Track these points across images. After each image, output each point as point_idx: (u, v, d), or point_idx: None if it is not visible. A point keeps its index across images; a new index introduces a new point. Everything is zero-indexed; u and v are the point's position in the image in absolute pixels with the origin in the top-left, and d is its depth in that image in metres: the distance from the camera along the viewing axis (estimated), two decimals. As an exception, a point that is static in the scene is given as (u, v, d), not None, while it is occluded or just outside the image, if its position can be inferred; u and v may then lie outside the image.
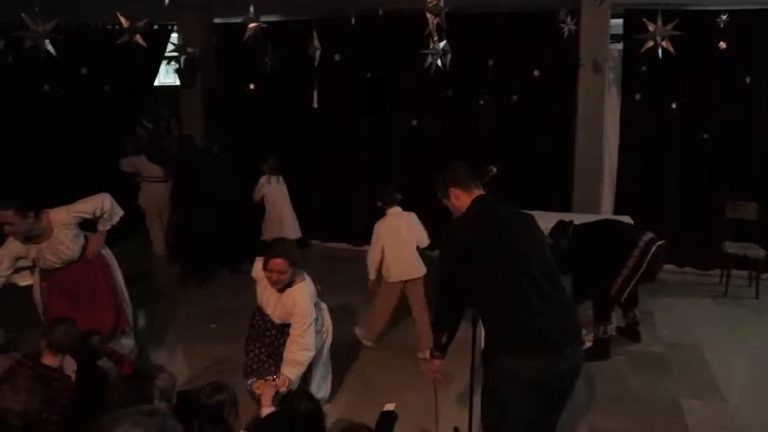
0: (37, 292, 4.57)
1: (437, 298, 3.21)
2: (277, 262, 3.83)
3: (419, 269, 5.30)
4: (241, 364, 4.24)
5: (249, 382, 3.83)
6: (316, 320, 4.01)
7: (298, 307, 3.91)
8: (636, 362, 5.21)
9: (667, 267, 7.33)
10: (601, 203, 7.46)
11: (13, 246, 4.23)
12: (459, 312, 3.18)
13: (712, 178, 7.16)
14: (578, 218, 6.25)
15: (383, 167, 8.22)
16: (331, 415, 4.29)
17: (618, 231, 5.42)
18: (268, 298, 4.07)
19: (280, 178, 7.79)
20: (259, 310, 4.22)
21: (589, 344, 5.34)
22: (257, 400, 3.57)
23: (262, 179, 7.72)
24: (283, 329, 4.06)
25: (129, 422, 1.67)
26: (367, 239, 8.21)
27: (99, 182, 5.76)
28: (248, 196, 7.72)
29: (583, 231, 5.37)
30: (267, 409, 3.26)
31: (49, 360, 3.45)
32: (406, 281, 5.26)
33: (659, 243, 5.10)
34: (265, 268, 3.89)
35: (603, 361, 5.15)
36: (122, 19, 4.45)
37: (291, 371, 3.82)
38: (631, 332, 5.54)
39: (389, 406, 3.15)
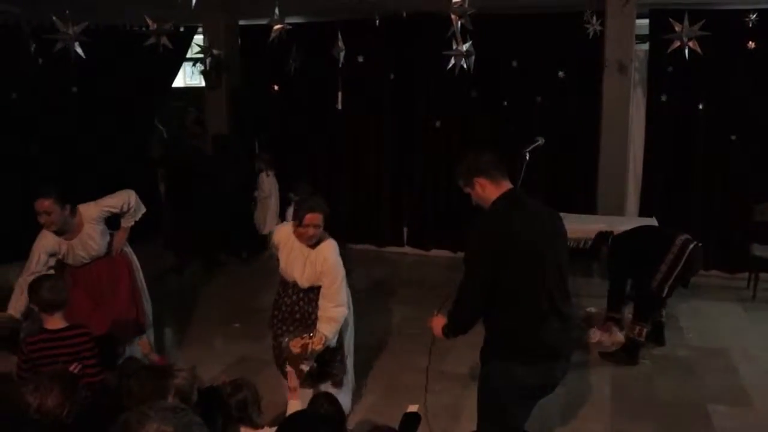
0: None
1: (458, 302, 2.93)
2: (315, 216, 3.76)
3: None
4: (265, 363, 4.26)
5: (285, 340, 3.74)
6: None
7: (329, 262, 3.83)
8: (662, 366, 5.15)
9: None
10: (625, 205, 7.40)
11: (48, 240, 4.20)
12: (477, 318, 2.94)
13: (739, 180, 7.06)
14: (603, 220, 6.27)
15: (406, 169, 8.23)
16: (355, 416, 4.30)
17: (654, 231, 5.56)
18: (294, 260, 3.93)
19: (272, 172, 8.08)
20: (282, 286, 4.10)
21: (610, 347, 5.35)
22: (292, 362, 3.56)
23: (263, 174, 8.02)
24: (310, 298, 3.95)
25: (158, 420, 1.66)
26: (390, 240, 8.30)
27: (120, 180, 5.83)
28: (247, 194, 8.06)
29: (621, 239, 5.42)
30: (294, 390, 3.26)
31: (51, 323, 3.43)
32: None
33: (695, 243, 5.10)
34: (300, 223, 3.78)
35: (630, 366, 5.10)
36: (149, 22, 4.51)
37: (326, 328, 3.74)
38: (655, 335, 5.49)
39: (413, 408, 3.15)
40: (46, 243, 4.19)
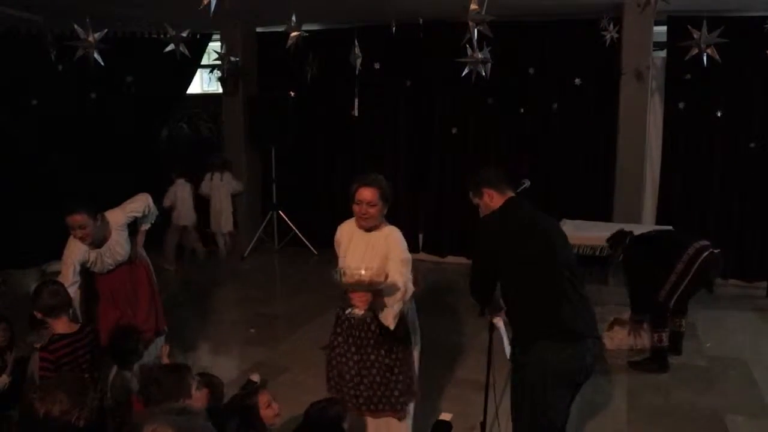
0: (77, 297, 4.55)
1: (470, 284, 3.27)
2: (367, 192, 3.36)
3: None
4: (278, 368, 4.24)
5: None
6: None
7: (392, 238, 3.41)
8: (679, 375, 5.10)
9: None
10: (642, 213, 7.36)
11: (78, 247, 4.14)
12: (486, 296, 3.29)
13: (758, 187, 7.00)
14: (619, 228, 6.22)
15: (422, 175, 8.24)
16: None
17: (671, 237, 5.51)
18: (354, 247, 3.48)
19: (226, 174, 8.41)
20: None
21: (634, 351, 5.33)
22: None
23: (207, 176, 8.40)
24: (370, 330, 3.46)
25: (160, 420, 1.69)
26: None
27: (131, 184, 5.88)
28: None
29: (638, 241, 5.39)
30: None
31: (61, 327, 3.45)
32: None
33: (712, 250, 5.02)
34: (353, 200, 3.41)
35: (658, 374, 5.06)
36: (169, 29, 4.57)
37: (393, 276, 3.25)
38: (673, 343, 5.44)
39: (445, 416, 3.15)
40: (77, 251, 4.14)
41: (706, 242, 5.10)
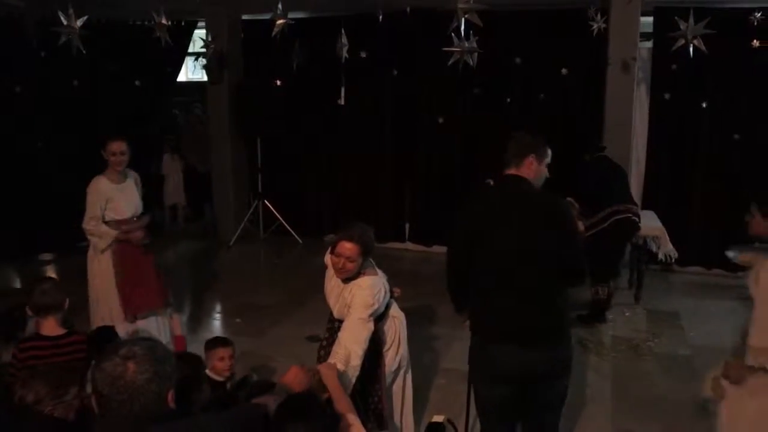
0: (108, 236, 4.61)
1: (446, 271, 3.26)
2: (347, 247, 3.17)
3: None
4: (265, 358, 4.22)
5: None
6: (381, 331, 3.39)
7: (356, 299, 3.19)
8: (664, 365, 5.15)
9: (695, 268, 7.27)
10: (628, 203, 7.38)
11: (102, 183, 4.53)
12: (458, 286, 3.24)
13: (741, 179, 7.04)
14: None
15: (408, 164, 8.22)
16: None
17: (611, 188, 5.84)
18: (331, 288, 3.44)
19: (176, 154, 9.47)
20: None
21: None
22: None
23: (167, 156, 9.38)
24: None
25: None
26: (391, 236, 8.30)
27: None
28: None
29: (598, 163, 5.94)
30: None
31: (47, 329, 3.32)
32: None
33: (625, 217, 5.63)
34: (332, 251, 3.27)
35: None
36: (154, 16, 4.51)
37: (325, 366, 2.90)
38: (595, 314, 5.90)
39: (438, 418, 3.14)
40: (101, 186, 4.52)
41: (625, 208, 5.66)
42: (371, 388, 3.37)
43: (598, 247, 5.43)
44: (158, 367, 1.84)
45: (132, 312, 4.55)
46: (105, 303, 4.58)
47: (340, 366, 2.90)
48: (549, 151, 3.31)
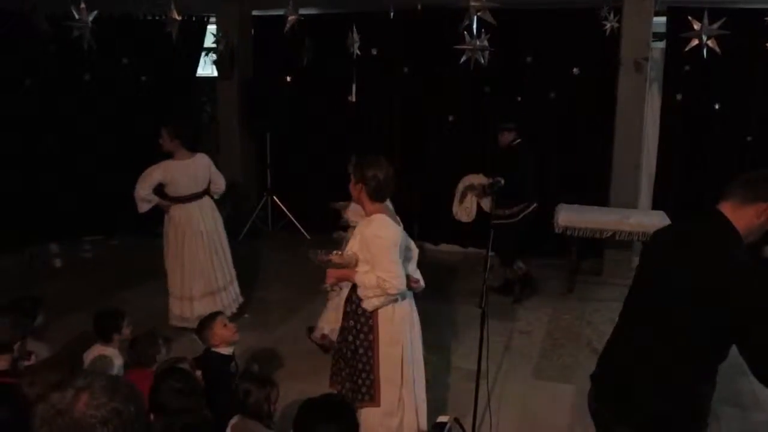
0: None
1: None
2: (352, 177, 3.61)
3: None
4: (272, 354, 4.23)
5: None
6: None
7: (364, 234, 3.37)
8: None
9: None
10: (638, 203, 7.35)
11: (157, 172, 5.28)
12: None
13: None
14: (615, 212, 6.32)
15: (418, 162, 8.20)
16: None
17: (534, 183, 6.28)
18: (353, 237, 3.54)
19: None
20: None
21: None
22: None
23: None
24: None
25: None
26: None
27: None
28: None
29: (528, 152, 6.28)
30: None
31: None
32: None
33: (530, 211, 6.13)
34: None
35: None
36: (167, 12, 4.51)
37: (360, 275, 3.30)
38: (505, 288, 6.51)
39: (443, 419, 3.14)
40: (157, 173, 5.29)
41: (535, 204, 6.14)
42: (364, 359, 3.37)
43: (509, 236, 5.99)
44: (120, 405, 1.36)
45: None
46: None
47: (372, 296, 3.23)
48: None
